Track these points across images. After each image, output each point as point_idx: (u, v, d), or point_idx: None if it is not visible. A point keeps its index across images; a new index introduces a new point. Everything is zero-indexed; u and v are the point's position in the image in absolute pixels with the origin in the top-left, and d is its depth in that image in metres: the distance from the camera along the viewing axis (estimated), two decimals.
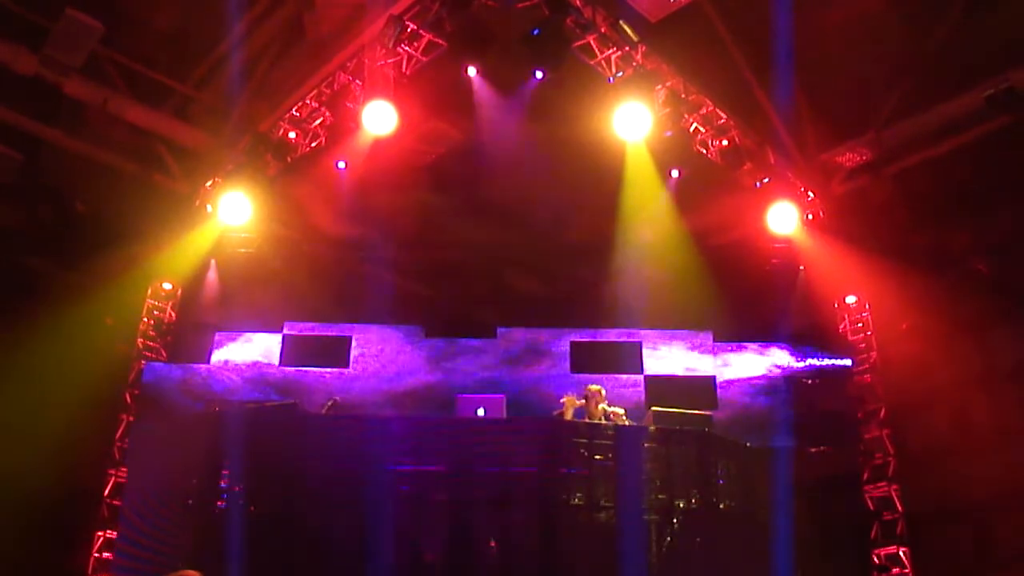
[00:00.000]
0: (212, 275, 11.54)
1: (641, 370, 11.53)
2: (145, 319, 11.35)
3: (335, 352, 11.54)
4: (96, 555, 10.24)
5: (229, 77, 10.85)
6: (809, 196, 11.67)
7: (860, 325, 11.71)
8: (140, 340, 11.26)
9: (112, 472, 10.51)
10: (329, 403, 9.15)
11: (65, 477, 10.14)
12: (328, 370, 11.45)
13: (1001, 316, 10.45)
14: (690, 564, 7.78)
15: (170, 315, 11.56)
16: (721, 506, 8.12)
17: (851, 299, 11.83)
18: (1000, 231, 10.69)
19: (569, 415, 8.69)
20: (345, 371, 11.46)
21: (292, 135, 11.24)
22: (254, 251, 11.46)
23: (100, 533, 10.29)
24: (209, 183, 11.34)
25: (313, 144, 11.41)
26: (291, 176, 11.39)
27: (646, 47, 10.63)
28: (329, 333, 11.71)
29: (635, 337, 11.74)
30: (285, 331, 11.68)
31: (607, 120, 10.68)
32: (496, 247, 11.87)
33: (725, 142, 11.35)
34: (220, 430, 8.03)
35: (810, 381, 11.46)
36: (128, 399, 10.94)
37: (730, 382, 11.47)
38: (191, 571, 5.47)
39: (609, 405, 8.92)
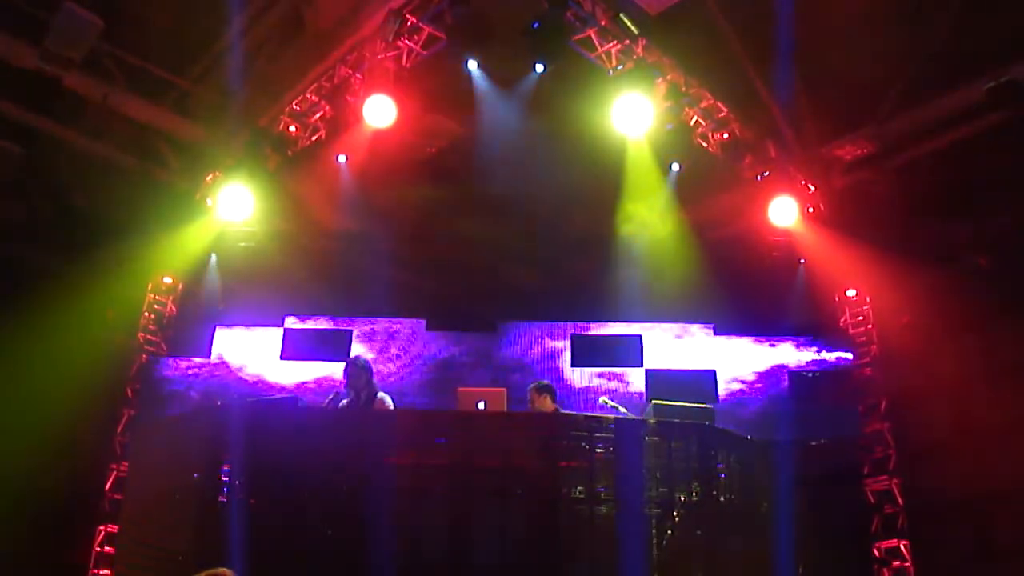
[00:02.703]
0: (212, 269, 11.55)
1: (642, 363, 11.55)
2: (146, 313, 11.37)
3: (336, 346, 11.55)
4: (97, 549, 10.27)
5: (229, 71, 10.82)
6: (810, 189, 11.65)
7: (861, 319, 11.68)
8: (140, 334, 11.28)
9: (113, 466, 10.53)
10: (330, 396, 9.14)
11: (66, 471, 10.17)
12: (329, 364, 11.46)
13: (1002, 310, 10.42)
14: (691, 557, 7.78)
15: (171, 309, 11.57)
16: (722, 499, 8.12)
17: (852, 292, 11.80)
18: (1001, 225, 10.68)
19: None
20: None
21: (292, 129, 11.23)
22: (254, 245, 11.43)
23: (101, 527, 10.31)
24: (209, 177, 11.33)
25: (313, 138, 11.40)
26: (291, 170, 11.39)
27: (646, 40, 10.62)
28: (330, 327, 11.74)
29: (636, 330, 11.75)
30: (286, 325, 11.70)
31: (607, 114, 10.67)
32: (496, 240, 11.86)
33: (726, 135, 11.35)
34: (221, 424, 8.02)
35: (811, 375, 11.47)
36: (129, 393, 10.97)
37: (731, 375, 11.48)
38: (224, 569, 5.45)
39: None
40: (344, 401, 8.79)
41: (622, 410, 9.05)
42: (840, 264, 11.46)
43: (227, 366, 11.40)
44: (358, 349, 11.52)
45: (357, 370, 8.87)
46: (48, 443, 9.93)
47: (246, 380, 11.35)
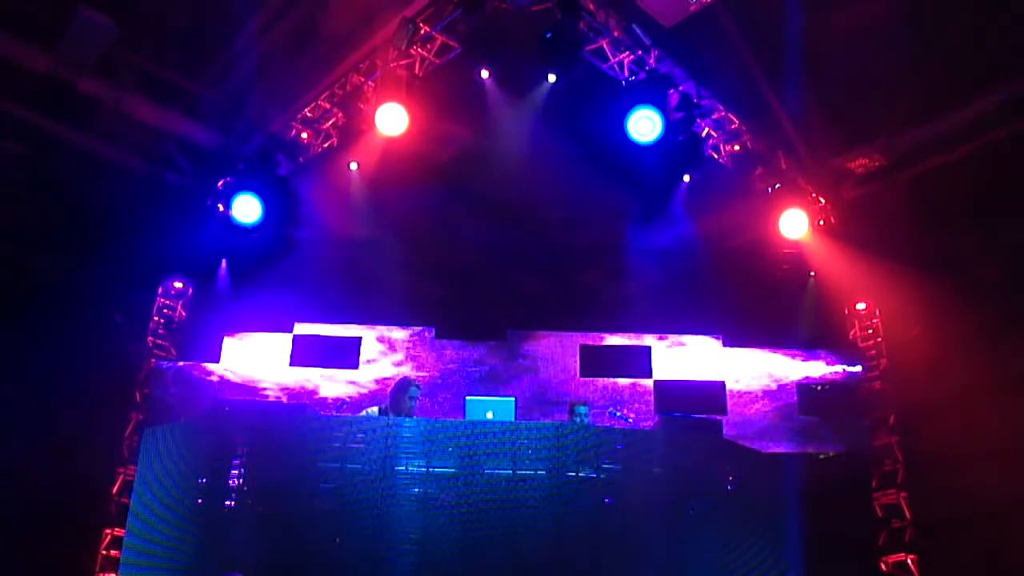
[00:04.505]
0: (222, 275, 11.56)
1: (650, 374, 11.53)
2: (155, 318, 11.40)
3: (345, 353, 11.55)
4: (104, 552, 10.29)
5: (242, 77, 10.86)
6: (820, 202, 11.65)
7: (870, 331, 11.70)
8: (150, 339, 11.29)
9: (121, 470, 10.56)
10: (340, 403, 9.17)
11: (74, 474, 10.17)
12: (338, 371, 11.46)
13: (1012, 323, 10.40)
14: (698, 569, 7.76)
15: (180, 314, 11.59)
16: (729, 512, 8.10)
17: (861, 305, 11.80)
18: (1011, 238, 10.65)
19: None
20: (355, 372, 11.46)
21: (304, 135, 11.27)
22: (265, 251, 11.46)
23: (108, 531, 10.34)
24: (220, 182, 11.36)
25: (325, 145, 11.45)
26: (303, 176, 11.42)
27: (659, 51, 10.64)
28: (339, 334, 11.72)
29: (644, 341, 11.73)
30: (295, 331, 11.69)
31: (619, 124, 10.67)
32: (507, 249, 11.87)
33: (737, 147, 11.38)
34: (229, 429, 8.03)
35: (819, 387, 11.45)
36: (138, 397, 10.98)
37: (739, 387, 11.46)
38: (236, 574, 5.47)
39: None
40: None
41: (630, 421, 9.07)
42: (850, 277, 11.46)
43: (236, 372, 11.38)
44: (367, 356, 11.50)
45: (407, 390, 8.83)
46: (56, 446, 9.93)
47: (255, 386, 11.34)
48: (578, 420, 9.19)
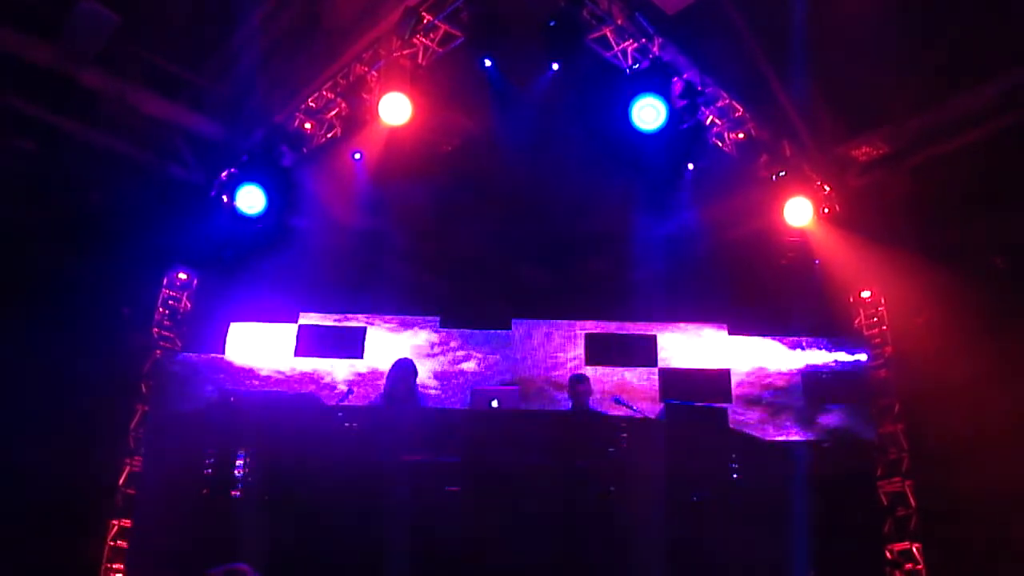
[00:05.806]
0: (227, 265, 11.56)
1: (655, 363, 11.51)
2: (161, 309, 11.42)
3: (350, 343, 11.53)
4: (111, 543, 10.33)
5: (245, 68, 10.86)
6: (825, 190, 11.62)
7: (875, 319, 11.66)
8: (156, 330, 11.31)
9: (127, 461, 10.59)
10: (345, 393, 9.16)
11: (80, 466, 10.19)
12: (343, 360, 11.45)
13: (1018, 311, 10.37)
14: (703, 557, 7.77)
15: (185, 305, 11.61)
16: (735, 500, 8.11)
17: (867, 293, 11.78)
18: (1018, 226, 10.62)
19: None
20: (360, 362, 11.45)
21: (308, 126, 11.27)
22: (269, 242, 11.45)
23: (115, 522, 10.38)
24: (224, 174, 11.36)
25: (329, 135, 11.45)
26: (307, 167, 11.42)
27: (662, 39, 10.61)
28: (344, 324, 11.72)
29: (649, 329, 11.70)
30: (300, 321, 11.68)
31: (623, 112, 10.65)
32: (511, 238, 11.86)
33: (741, 135, 11.35)
34: (235, 420, 8.05)
35: (825, 375, 11.41)
36: (143, 389, 11.00)
37: (744, 376, 11.44)
38: (241, 565, 5.46)
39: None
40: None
41: (635, 409, 9.07)
42: (855, 265, 11.43)
43: (241, 362, 11.38)
44: (372, 346, 11.49)
45: (404, 373, 8.87)
46: (63, 438, 9.96)
47: (260, 376, 11.35)
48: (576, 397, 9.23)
